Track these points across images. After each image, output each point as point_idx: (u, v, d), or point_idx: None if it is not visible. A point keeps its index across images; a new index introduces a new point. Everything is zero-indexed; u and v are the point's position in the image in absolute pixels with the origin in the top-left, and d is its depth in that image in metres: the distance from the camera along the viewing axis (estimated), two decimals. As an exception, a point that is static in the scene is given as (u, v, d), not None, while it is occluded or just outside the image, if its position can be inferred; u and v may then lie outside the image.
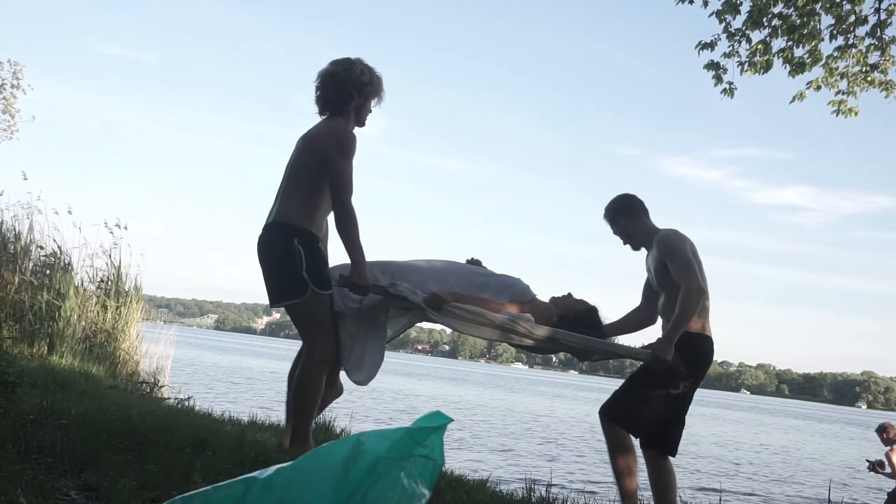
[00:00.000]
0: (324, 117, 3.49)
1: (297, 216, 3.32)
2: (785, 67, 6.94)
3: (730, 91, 7.15)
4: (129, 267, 8.81)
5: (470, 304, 3.46)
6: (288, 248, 3.27)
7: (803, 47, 6.82)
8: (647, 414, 3.61)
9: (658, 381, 3.56)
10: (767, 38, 6.85)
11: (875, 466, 9.96)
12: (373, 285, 3.37)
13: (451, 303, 3.42)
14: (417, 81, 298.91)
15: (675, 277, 3.60)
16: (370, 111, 3.53)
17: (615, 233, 3.91)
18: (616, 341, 3.81)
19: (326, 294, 3.33)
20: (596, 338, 3.68)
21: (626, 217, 3.86)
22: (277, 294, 3.35)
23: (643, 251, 3.92)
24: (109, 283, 8.62)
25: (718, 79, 7.10)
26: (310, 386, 3.34)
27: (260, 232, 3.45)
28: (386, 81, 3.56)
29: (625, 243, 3.92)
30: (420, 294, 3.43)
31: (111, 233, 8.76)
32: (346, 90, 3.42)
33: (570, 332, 3.59)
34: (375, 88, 3.50)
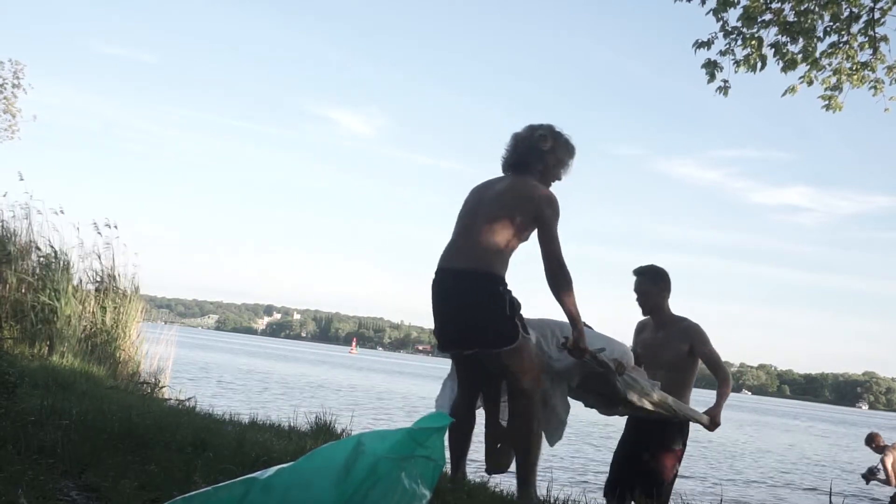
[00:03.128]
0: (510, 173, 3.56)
1: (496, 265, 3.37)
2: (778, 63, 6.93)
3: (724, 89, 7.14)
4: (124, 266, 8.82)
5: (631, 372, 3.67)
6: (499, 295, 3.32)
7: (798, 44, 6.81)
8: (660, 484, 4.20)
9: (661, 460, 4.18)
10: (778, 36, 6.82)
11: (869, 475, 9.97)
12: (590, 350, 3.39)
13: (626, 371, 3.59)
14: (417, 81, 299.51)
15: (709, 364, 4.24)
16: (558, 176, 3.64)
17: (639, 289, 4.32)
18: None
19: (528, 338, 3.39)
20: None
21: (662, 289, 4.33)
22: (492, 339, 3.32)
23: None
24: (106, 283, 8.62)
25: (712, 76, 7.07)
26: (534, 429, 3.39)
27: (442, 275, 3.45)
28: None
29: (639, 300, 4.35)
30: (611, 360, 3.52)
31: (100, 233, 8.77)
32: (542, 157, 3.52)
33: (673, 398, 3.85)
34: (571, 162, 3.64)
